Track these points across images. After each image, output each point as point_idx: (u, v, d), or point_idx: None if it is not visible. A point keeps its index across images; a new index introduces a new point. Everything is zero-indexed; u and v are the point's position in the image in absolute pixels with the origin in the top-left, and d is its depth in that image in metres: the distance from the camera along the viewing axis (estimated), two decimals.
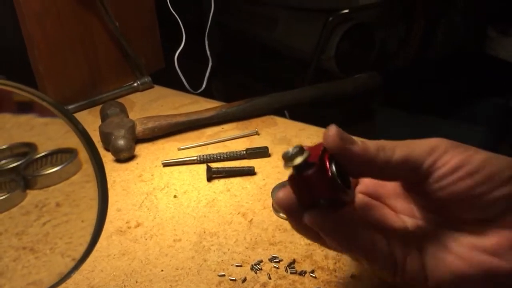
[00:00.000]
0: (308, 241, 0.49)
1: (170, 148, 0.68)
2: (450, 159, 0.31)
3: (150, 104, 0.82)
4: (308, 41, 2.28)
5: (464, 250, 0.32)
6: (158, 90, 0.88)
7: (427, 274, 0.33)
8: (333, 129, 0.31)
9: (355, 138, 0.32)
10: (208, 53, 1.03)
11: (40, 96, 0.32)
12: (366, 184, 0.38)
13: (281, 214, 0.53)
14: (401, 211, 0.37)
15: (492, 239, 0.32)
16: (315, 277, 0.44)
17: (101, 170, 0.33)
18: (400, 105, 2.08)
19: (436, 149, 0.32)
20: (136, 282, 0.46)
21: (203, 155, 0.63)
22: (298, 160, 0.29)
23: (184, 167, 0.64)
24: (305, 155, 0.29)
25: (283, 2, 2.52)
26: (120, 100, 0.82)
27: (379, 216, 0.36)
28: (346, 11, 2.16)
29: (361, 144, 0.31)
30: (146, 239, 0.51)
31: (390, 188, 0.38)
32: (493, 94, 2.08)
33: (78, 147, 0.33)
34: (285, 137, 0.69)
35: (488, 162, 0.31)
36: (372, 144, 0.32)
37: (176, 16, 0.94)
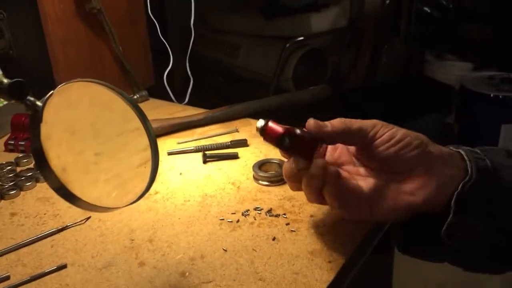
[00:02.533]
0: (281, 196, 0.70)
1: (171, 142, 0.88)
2: (384, 132, 0.53)
3: (149, 112, 1.01)
4: (268, 65, 2.53)
5: (394, 194, 0.53)
6: (153, 101, 1.08)
7: (373, 211, 0.53)
8: (311, 120, 0.52)
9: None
10: (189, 73, 1.24)
11: (118, 91, 0.52)
12: (329, 157, 0.60)
13: (260, 182, 0.74)
14: (352, 173, 0.58)
15: (409, 185, 0.52)
16: (286, 217, 0.65)
17: (154, 140, 0.53)
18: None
19: (376, 125, 0.53)
20: (162, 225, 0.65)
21: (198, 146, 0.84)
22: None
23: (184, 155, 0.84)
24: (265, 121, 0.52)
25: (245, 30, 2.77)
26: None
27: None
28: (301, 38, 2.43)
29: (330, 125, 0.52)
30: (164, 201, 0.71)
31: (344, 159, 0.59)
32: (431, 111, 2.37)
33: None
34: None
35: (406, 135, 0.53)
36: (337, 122, 0.53)
37: (165, 43, 1.15)
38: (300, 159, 0.53)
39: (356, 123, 0.53)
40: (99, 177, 0.52)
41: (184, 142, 0.87)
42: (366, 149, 0.54)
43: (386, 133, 0.52)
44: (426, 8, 2.73)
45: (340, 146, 0.60)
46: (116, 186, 0.53)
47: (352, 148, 0.58)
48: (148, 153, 0.53)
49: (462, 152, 0.53)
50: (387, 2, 2.63)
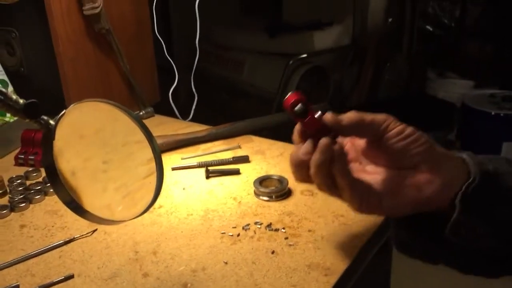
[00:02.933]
0: (280, 211, 0.72)
1: (175, 158, 0.91)
2: (395, 126, 0.55)
3: (154, 128, 1.04)
4: (271, 81, 2.57)
5: (401, 189, 0.54)
6: (159, 118, 1.12)
7: (382, 204, 0.55)
8: (329, 113, 0.54)
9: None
10: (194, 90, 1.27)
11: (125, 109, 0.55)
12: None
13: (261, 197, 0.76)
14: (359, 170, 0.59)
15: (415, 180, 0.54)
16: (285, 232, 0.68)
17: (159, 155, 0.56)
18: None
19: (387, 118, 0.56)
20: (165, 238, 0.68)
21: (201, 162, 0.87)
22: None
23: (188, 170, 0.87)
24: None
25: (249, 47, 2.82)
26: None
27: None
28: (305, 55, 2.47)
29: (345, 117, 0.54)
30: (168, 215, 0.74)
31: (351, 156, 0.61)
32: (433, 128, 2.40)
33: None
34: (260, 149, 0.93)
35: (415, 130, 0.55)
36: (352, 114, 0.55)
37: (171, 61, 1.18)
38: (310, 141, 0.54)
39: (369, 116, 0.55)
40: (107, 185, 0.55)
41: (187, 158, 0.90)
42: (377, 141, 0.55)
43: (397, 127, 0.54)
44: (428, 27, 2.78)
45: (348, 143, 0.62)
46: (124, 196, 0.56)
47: (359, 146, 0.60)
48: (153, 165, 0.56)
49: (465, 156, 0.55)
50: (390, 20, 2.67)
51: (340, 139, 0.55)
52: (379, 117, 0.55)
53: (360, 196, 0.54)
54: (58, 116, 0.49)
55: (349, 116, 0.54)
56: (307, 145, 0.54)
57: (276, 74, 2.40)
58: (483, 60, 2.51)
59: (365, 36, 2.61)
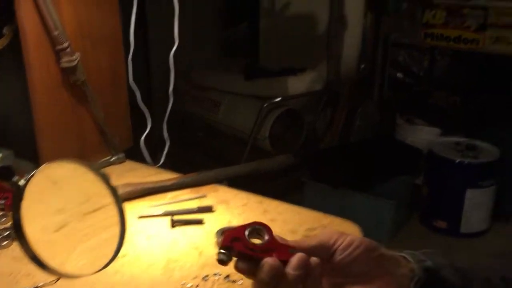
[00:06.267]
0: None
1: (142, 206, 0.95)
2: (342, 240, 0.59)
3: (124, 174, 1.08)
4: (246, 123, 2.63)
5: None
6: (130, 164, 1.15)
7: None
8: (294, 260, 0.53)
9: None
10: (167, 135, 1.31)
11: (93, 168, 0.59)
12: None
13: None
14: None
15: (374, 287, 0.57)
16: (241, 284, 0.72)
17: (123, 213, 0.60)
18: (326, 180, 2.42)
19: (332, 235, 0.59)
20: None
21: (167, 211, 0.91)
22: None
23: (154, 219, 0.90)
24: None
25: (226, 88, 2.89)
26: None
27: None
28: (279, 99, 2.55)
29: (297, 245, 0.55)
30: (130, 264, 0.77)
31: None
32: (401, 173, 2.47)
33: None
34: (224, 199, 0.98)
35: (362, 240, 0.58)
36: (300, 242, 0.56)
37: (144, 108, 1.23)
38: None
39: (314, 238, 0.58)
40: (72, 241, 0.59)
41: (154, 206, 0.94)
42: (329, 259, 0.57)
43: (345, 241, 0.58)
44: (398, 74, 2.90)
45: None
46: (87, 251, 0.60)
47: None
48: (116, 220, 0.60)
49: (407, 255, 0.60)
50: (362, 67, 2.79)
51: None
52: (323, 237, 0.58)
53: None
54: (28, 176, 0.53)
55: (300, 245, 0.55)
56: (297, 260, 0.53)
57: (251, 115, 2.46)
58: (449, 108, 2.62)
59: (338, 82, 2.72)
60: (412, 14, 2.51)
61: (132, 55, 1.20)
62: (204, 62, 2.96)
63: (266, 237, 0.55)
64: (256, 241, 0.55)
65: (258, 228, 0.55)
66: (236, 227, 0.54)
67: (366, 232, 0.82)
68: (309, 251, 0.56)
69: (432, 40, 2.31)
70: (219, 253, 0.51)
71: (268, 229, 0.55)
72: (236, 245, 0.52)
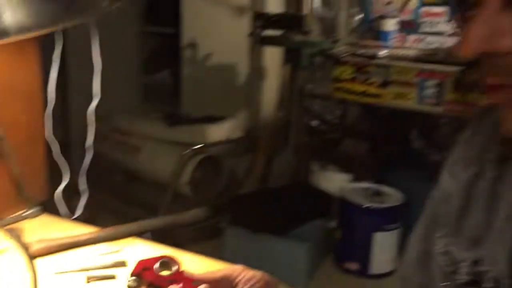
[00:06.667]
0: None
1: (57, 261, 0.96)
2: (244, 275, 0.65)
3: (38, 230, 1.09)
4: (166, 169, 2.67)
5: None
6: (45, 217, 1.16)
7: None
8: None
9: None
10: (83, 187, 1.33)
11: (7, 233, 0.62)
12: None
13: None
14: None
15: None
16: None
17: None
18: (244, 225, 2.49)
19: (235, 269, 0.65)
20: None
21: (83, 267, 0.93)
22: None
23: (69, 274, 0.92)
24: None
25: (147, 134, 2.92)
26: (14, 226, 1.08)
27: None
28: (199, 145, 2.62)
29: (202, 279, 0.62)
30: None
31: None
32: (316, 217, 2.60)
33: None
34: (140, 254, 1.01)
35: (263, 274, 0.65)
36: (206, 274, 0.63)
37: (61, 162, 1.24)
38: None
39: (219, 272, 0.64)
40: None
41: (71, 262, 0.96)
42: None
43: (247, 275, 0.65)
44: (314, 122, 3.07)
45: None
46: None
47: None
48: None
49: None
50: (280, 115, 2.93)
51: None
52: (228, 270, 0.65)
53: None
54: None
55: (204, 277, 0.62)
56: None
57: (171, 162, 2.51)
58: (358, 156, 2.81)
59: (257, 129, 2.84)
60: (324, 69, 2.71)
61: (53, 109, 1.22)
62: (126, 107, 2.99)
63: (174, 269, 0.65)
64: (165, 272, 0.65)
65: (167, 261, 0.65)
66: (147, 258, 0.63)
67: (282, 274, 0.88)
68: (213, 283, 0.62)
69: (342, 93, 2.49)
70: (129, 280, 0.61)
71: (176, 263, 0.65)
72: (145, 274, 0.63)
